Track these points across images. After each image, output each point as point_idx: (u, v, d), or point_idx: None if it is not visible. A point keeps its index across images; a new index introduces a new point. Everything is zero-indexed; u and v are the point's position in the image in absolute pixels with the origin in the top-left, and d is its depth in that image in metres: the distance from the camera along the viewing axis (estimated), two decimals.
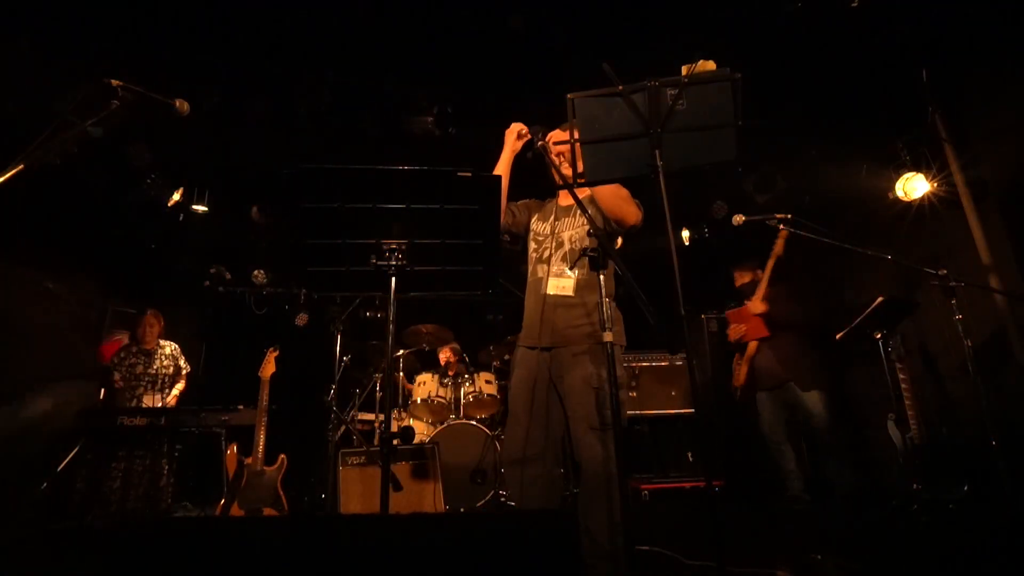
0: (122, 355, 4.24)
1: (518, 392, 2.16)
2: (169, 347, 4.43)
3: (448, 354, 5.18)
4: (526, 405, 2.11)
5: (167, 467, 4.02)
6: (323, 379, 4.25)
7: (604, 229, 2.20)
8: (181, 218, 5.00)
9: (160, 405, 4.21)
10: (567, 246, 2.21)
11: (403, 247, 1.72)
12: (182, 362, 4.48)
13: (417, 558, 1.17)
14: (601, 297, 1.81)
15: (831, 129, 4.36)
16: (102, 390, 4.56)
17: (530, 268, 2.31)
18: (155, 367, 4.31)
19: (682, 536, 2.99)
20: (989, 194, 3.69)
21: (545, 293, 2.16)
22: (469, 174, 1.66)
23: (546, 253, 2.25)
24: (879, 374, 3.84)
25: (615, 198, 2.13)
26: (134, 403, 4.14)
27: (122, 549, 1.20)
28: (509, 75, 4.18)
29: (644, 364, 5.11)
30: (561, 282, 2.14)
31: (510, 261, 2.41)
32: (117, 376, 4.15)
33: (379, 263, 1.71)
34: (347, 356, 4.33)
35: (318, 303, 4.94)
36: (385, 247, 1.71)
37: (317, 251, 1.75)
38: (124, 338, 4.89)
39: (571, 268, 2.14)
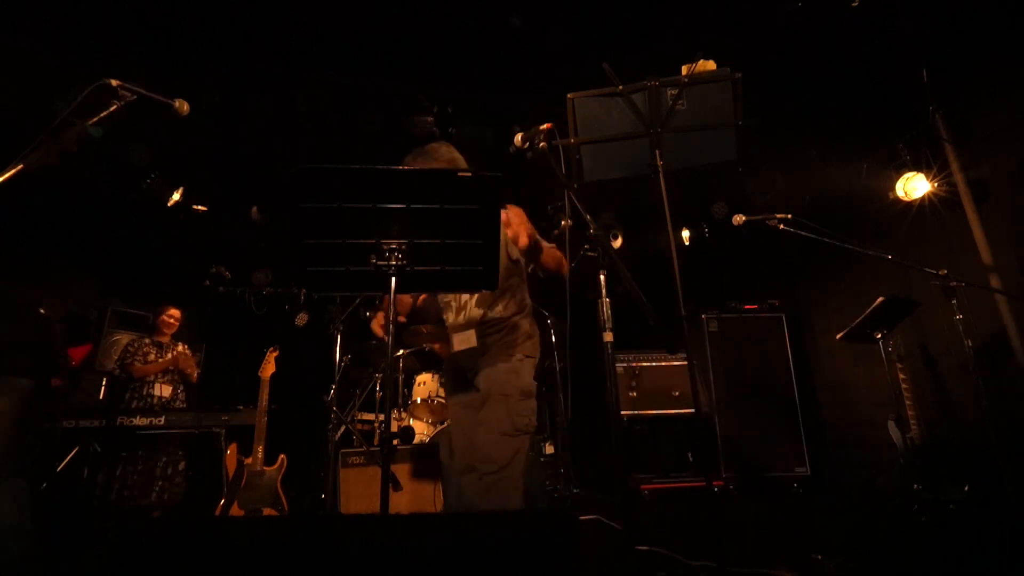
0: (135, 346, 4.26)
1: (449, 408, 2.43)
2: (181, 346, 4.44)
3: None
4: (454, 419, 2.37)
5: (167, 467, 4.02)
6: (323, 379, 4.24)
7: (527, 264, 2.31)
8: (181, 218, 5.00)
9: (172, 395, 4.24)
10: (464, 299, 2.36)
11: (403, 247, 1.71)
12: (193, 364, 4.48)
13: (417, 558, 1.17)
14: (602, 297, 1.81)
15: (831, 129, 4.35)
16: (103, 388, 4.56)
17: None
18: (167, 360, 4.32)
19: (682, 536, 2.99)
20: (989, 194, 3.69)
21: (455, 351, 2.33)
22: (469, 174, 1.66)
23: (449, 315, 2.40)
24: (879, 374, 3.83)
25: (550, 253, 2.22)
26: (145, 390, 4.15)
27: (122, 549, 1.20)
28: (509, 75, 4.18)
29: (644, 364, 5.10)
30: (463, 336, 2.31)
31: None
32: (137, 363, 4.16)
33: (379, 263, 1.71)
34: (347, 356, 4.33)
35: (318, 303, 4.93)
36: (385, 247, 1.71)
37: (317, 251, 1.75)
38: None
39: (468, 326, 2.29)
